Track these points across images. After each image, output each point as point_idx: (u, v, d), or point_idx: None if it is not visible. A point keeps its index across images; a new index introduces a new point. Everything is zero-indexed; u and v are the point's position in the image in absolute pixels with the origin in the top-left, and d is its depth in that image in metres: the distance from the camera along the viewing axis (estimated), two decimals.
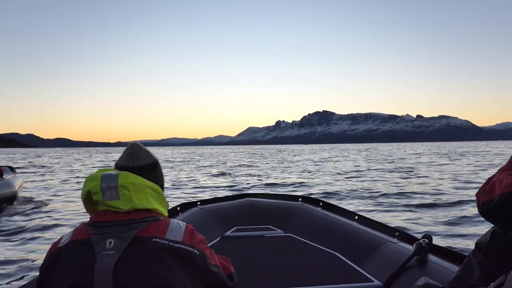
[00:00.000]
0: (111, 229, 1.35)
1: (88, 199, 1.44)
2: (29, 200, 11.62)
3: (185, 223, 1.47)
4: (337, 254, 2.58)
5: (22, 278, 4.62)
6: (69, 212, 9.49)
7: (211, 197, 3.63)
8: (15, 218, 8.54)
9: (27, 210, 9.64)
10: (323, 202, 3.16)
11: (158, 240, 1.34)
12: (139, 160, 1.57)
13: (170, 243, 1.35)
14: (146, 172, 1.54)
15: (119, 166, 1.56)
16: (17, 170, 12.33)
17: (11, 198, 10.34)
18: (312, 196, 3.40)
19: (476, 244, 1.32)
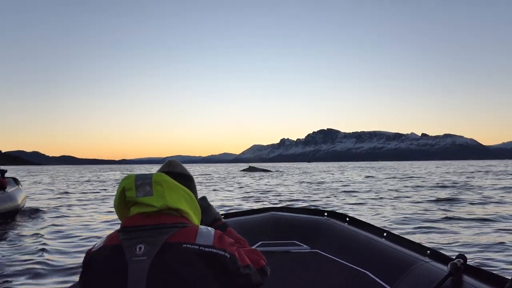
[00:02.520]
0: (141, 234, 1.35)
1: (122, 199, 1.45)
2: (33, 213, 11.14)
3: (213, 229, 1.46)
4: (367, 272, 2.46)
5: None
6: (73, 227, 9.16)
7: (235, 210, 3.46)
8: (17, 232, 8.26)
9: (29, 224, 9.24)
10: (350, 217, 3.04)
11: (188, 245, 1.33)
12: (174, 168, 1.64)
13: (201, 247, 1.33)
14: (180, 179, 1.54)
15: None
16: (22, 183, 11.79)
17: (14, 212, 9.95)
18: (338, 211, 3.27)
19: None
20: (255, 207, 3.59)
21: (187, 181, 1.63)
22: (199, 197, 1.83)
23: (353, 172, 51.22)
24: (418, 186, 23.27)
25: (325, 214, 3.18)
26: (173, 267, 1.29)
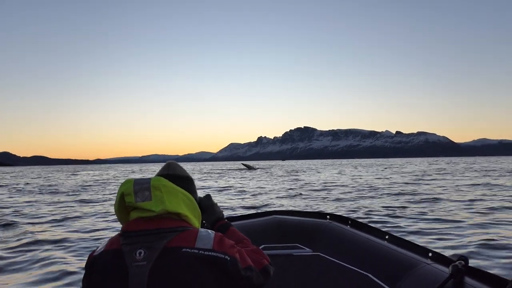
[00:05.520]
0: (141, 239, 1.35)
1: (121, 203, 1.45)
2: None
3: (214, 231, 1.45)
4: (369, 275, 2.47)
5: None
6: (36, 235, 8.72)
7: (238, 214, 3.46)
8: None
9: None
10: (352, 220, 3.04)
11: (188, 249, 1.33)
12: (174, 170, 1.63)
13: (200, 251, 1.33)
14: (179, 182, 1.55)
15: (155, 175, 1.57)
16: None
17: None
18: (340, 214, 3.25)
19: None
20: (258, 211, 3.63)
21: (187, 183, 1.62)
22: (204, 195, 1.83)
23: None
24: None
25: (328, 217, 3.20)
26: (173, 272, 1.29)
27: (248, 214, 3.37)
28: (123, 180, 1.44)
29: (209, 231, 1.44)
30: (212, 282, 1.32)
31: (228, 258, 1.36)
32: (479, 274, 1.97)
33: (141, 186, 1.39)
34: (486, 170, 39.49)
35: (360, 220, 3.04)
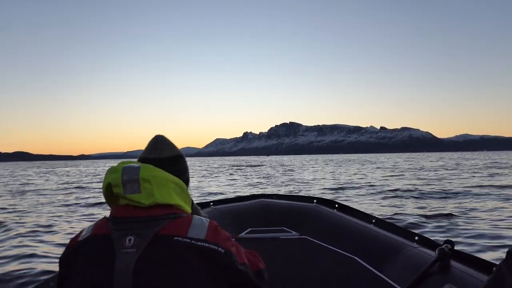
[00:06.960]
0: (131, 226, 1.28)
1: (108, 191, 1.39)
2: None
3: (208, 220, 1.37)
4: (356, 258, 2.49)
5: None
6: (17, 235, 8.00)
7: (225, 197, 3.56)
8: None
9: None
10: (338, 203, 3.07)
11: (180, 238, 1.26)
12: (160, 152, 1.52)
13: (192, 241, 1.26)
14: (167, 165, 1.47)
15: (141, 158, 1.51)
16: None
17: None
18: (327, 198, 3.27)
19: (508, 252, 1.21)
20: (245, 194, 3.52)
21: (176, 163, 1.54)
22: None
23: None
24: None
25: (314, 200, 3.19)
26: (162, 260, 1.23)
27: (235, 198, 3.33)
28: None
29: (204, 219, 1.36)
30: (204, 273, 1.25)
31: (222, 251, 1.28)
32: (465, 257, 1.99)
33: (129, 178, 1.31)
34: None
35: (347, 204, 3.02)
